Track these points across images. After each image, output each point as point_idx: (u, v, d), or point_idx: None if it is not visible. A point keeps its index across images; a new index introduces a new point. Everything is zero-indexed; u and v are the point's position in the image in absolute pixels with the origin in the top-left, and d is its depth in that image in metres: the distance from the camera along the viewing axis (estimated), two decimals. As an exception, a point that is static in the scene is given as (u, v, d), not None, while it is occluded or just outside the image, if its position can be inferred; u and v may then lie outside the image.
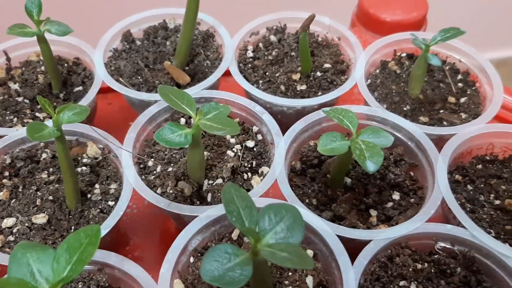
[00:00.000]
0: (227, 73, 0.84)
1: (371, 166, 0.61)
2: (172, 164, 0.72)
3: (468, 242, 0.63)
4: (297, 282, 0.61)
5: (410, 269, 0.62)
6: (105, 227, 0.64)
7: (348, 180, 0.73)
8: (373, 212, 0.70)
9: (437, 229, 0.64)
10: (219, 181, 0.70)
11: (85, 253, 0.47)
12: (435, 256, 0.64)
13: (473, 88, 0.85)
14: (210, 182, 0.70)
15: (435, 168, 0.69)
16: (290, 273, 0.63)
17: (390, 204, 0.71)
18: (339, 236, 0.63)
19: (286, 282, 0.62)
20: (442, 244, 0.65)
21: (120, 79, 0.84)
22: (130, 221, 0.81)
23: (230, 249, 0.48)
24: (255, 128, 0.78)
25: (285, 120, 0.83)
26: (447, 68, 0.88)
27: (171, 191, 0.68)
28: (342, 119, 0.67)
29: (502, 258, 0.61)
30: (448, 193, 0.67)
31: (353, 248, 0.63)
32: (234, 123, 0.59)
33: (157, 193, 0.68)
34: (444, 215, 0.73)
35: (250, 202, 0.52)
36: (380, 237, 0.63)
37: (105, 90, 0.97)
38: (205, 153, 0.73)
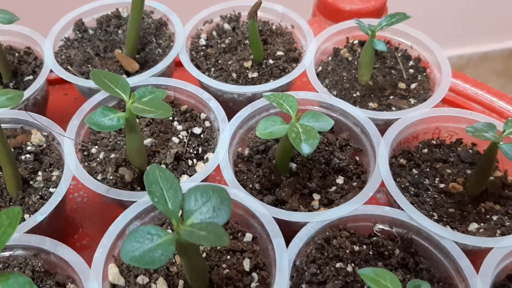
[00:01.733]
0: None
1: (306, 149, 0.61)
2: (115, 151, 0.72)
3: (406, 224, 0.64)
4: (235, 265, 0.61)
5: (347, 251, 0.63)
6: (42, 213, 0.63)
7: (293, 166, 0.73)
8: (316, 196, 0.70)
9: (375, 211, 0.64)
10: (162, 167, 0.69)
11: (4, 234, 0.47)
12: (374, 239, 0.65)
13: (424, 74, 0.86)
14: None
15: (377, 152, 0.70)
16: (228, 257, 0.63)
17: (333, 188, 0.71)
18: (279, 220, 0.63)
19: (224, 266, 0.62)
20: (381, 226, 0.65)
21: (69, 67, 0.84)
22: (80, 210, 0.81)
23: (153, 230, 0.48)
24: (203, 115, 0.78)
25: (236, 108, 0.82)
26: (399, 55, 0.89)
27: (111, 177, 0.68)
28: (282, 104, 0.67)
29: (438, 239, 0.61)
30: (387, 176, 0.67)
31: (295, 232, 0.63)
32: (167, 106, 0.59)
33: (98, 179, 0.68)
34: (389, 199, 0.73)
35: (175, 183, 0.51)
36: (317, 219, 0.63)
37: (61, 81, 0.97)
38: (150, 139, 0.73)
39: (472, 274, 0.58)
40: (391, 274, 0.51)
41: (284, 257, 0.59)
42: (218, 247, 0.64)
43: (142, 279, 0.61)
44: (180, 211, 0.50)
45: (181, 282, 0.61)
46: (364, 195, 0.65)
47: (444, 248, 0.61)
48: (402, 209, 0.64)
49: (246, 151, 0.76)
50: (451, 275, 0.61)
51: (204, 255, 0.63)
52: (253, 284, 0.60)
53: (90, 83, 0.79)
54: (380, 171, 0.67)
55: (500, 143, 0.62)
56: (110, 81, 0.61)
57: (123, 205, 0.72)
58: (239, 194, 0.65)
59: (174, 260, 0.63)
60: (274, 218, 0.63)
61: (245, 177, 0.72)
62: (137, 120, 0.76)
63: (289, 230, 0.64)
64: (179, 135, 0.74)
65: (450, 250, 0.60)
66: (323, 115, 0.67)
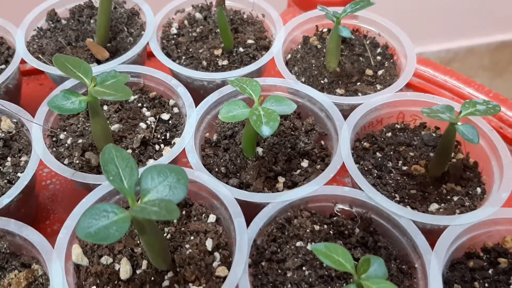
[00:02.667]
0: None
1: (266, 131, 0.62)
2: (83, 137, 0.73)
3: (365, 204, 0.65)
4: (197, 245, 0.63)
5: (308, 230, 0.64)
6: (9, 196, 0.65)
7: (260, 150, 0.74)
8: (281, 179, 0.71)
9: (335, 192, 0.66)
10: (128, 151, 0.71)
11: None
12: (334, 218, 0.66)
13: (391, 60, 0.87)
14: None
15: (340, 136, 0.71)
16: (192, 238, 0.64)
17: (298, 171, 0.72)
18: (244, 202, 0.65)
19: (187, 246, 0.63)
20: (341, 206, 0.66)
21: (41, 56, 0.84)
22: (52, 196, 0.82)
23: (109, 208, 0.49)
24: (171, 102, 0.79)
25: (206, 95, 0.84)
26: (367, 42, 0.90)
27: (77, 162, 0.69)
28: (245, 88, 0.68)
29: (396, 218, 0.63)
30: (348, 158, 0.68)
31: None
32: (127, 89, 0.60)
33: (64, 164, 0.69)
34: (352, 182, 0.75)
35: (131, 163, 0.53)
36: (278, 199, 0.64)
37: (37, 71, 0.98)
38: (118, 125, 0.74)
39: (427, 251, 0.59)
40: (342, 249, 0.52)
41: (244, 236, 0.60)
42: (182, 229, 0.65)
43: (106, 260, 0.62)
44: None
45: (144, 262, 0.62)
46: (325, 176, 0.67)
47: (401, 227, 0.62)
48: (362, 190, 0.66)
49: (214, 137, 0.78)
50: (408, 253, 0.62)
51: (168, 236, 0.65)
52: (215, 263, 0.62)
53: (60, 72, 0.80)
54: (342, 153, 0.69)
55: (458, 124, 0.64)
56: (72, 65, 0.62)
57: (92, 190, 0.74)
58: (203, 176, 0.67)
59: (138, 242, 0.64)
60: (237, 200, 0.65)
61: (211, 161, 0.73)
62: (106, 107, 0.78)
63: (254, 213, 0.65)
64: (147, 121, 0.75)
65: (407, 228, 0.62)
66: (286, 99, 0.68)
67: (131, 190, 0.51)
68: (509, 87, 2.34)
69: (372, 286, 0.50)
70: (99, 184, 0.66)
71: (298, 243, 0.63)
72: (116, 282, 0.60)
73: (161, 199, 0.50)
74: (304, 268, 0.61)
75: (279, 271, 0.61)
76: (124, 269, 0.61)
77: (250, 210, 0.65)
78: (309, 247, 0.63)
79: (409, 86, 0.95)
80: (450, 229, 0.61)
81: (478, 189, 0.70)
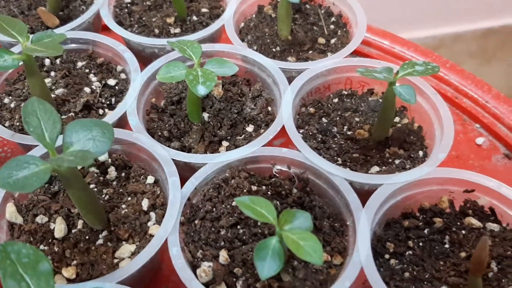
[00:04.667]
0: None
1: (201, 90, 0.62)
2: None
3: (303, 165, 0.65)
4: (133, 205, 0.63)
5: (245, 191, 0.64)
6: None
7: (206, 115, 0.74)
8: (225, 143, 0.72)
9: (273, 153, 0.66)
10: (71, 115, 0.71)
11: None
12: (273, 179, 0.66)
13: (344, 29, 0.87)
14: (63, 117, 0.71)
15: (282, 100, 0.71)
16: (129, 198, 0.64)
17: (243, 136, 0.72)
18: (182, 164, 0.65)
19: (124, 206, 0.63)
20: (279, 167, 0.67)
21: (-9, 24, 0.84)
22: (2, 164, 0.81)
23: (31, 159, 0.49)
24: (119, 68, 0.79)
25: (159, 63, 0.84)
26: (322, 11, 0.90)
27: (17, 124, 0.69)
28: (185, 50, 0.68)
29: (330, 177, 0.63)
30: (288, 121, 0.68)
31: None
32: (59, 46, 0.60)
33: (5, 126, 0.69)
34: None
35: (54, 116, 0.53)
36: (215, 160, 0.65)
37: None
38: (62, 89, 0.74)
39: (358, 208, 0.60)
40: (267, 202, 0.53)
41: (177, 194, 0.61)
42: (120, 190, 0.65)
43: (41, 219, 0.62)
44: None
45: (80, 222, 0.62)
46: (264, 138, 0.67)
47: (336, 186, 0.62)
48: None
49: (162, 103, 0.77)
50: (341, 211, 0.62)
51: (106, 197, 0.65)
52: (150, 223, 0.62)
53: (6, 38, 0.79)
54: (283, 116, 0.69)
55: (396, 85, 0.64)
56: (7, 24, 0.62)
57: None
58: (141, 138, 0.67)
59: (76, 202, 0.64)
60: (177, 162, 0.65)
61: (155, 126, 0.73)
62: (54, 73, 0.78)
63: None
64: (92, 86, 0.75)
65: (340, 187, 0.62)
66: (227, 62, 0.68)
67: (52, 142, 0.51)
68: (498, 74, 2.32)
69: (292, 236, 0.50)
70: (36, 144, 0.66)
71: (234, 203, 0.63)
72: (50, 240, 0.61)
73: (81, 150, 0.50)
74: (238, 226, 0.61)
75: (213, 229, 0.61)
76: (59, 227, 0.61)
77: (191, 173, 0.65)
78: (245, 206, 0.63)
79: (361, 55, 0.94)
80: (382, 188, 0.61)
81: (420, 152, 0.70)
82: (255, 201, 0.53)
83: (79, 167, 0.67)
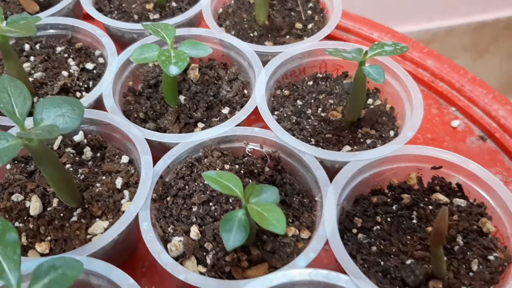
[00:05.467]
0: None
1: (173, 70, 0.64)
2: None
3: (275, 144, 0.67)
4: (107, 184, 0.64)
5: (218, 169, 0.65)
6: None
7: (182, 98, 0.76)
8: (200, 125, 0.73)
9: (245, 132, 0.67)
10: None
11: None
12: (245, 159, 0.67)
13: (321, 15, 0.88)
14: (40, 99, 0.72)
15: (256, 81, 0.72)
16: (103, 177, 0.65)
17: (218, 118, 0.74)
18: (157, 145, 0.66)
19: (98, 184, 0.65)
20: (252, 146, 0.68)
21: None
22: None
23: (2, 135, 0.50)
24: (97, 52, 0.80)
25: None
26: (300, -3, 0.91)
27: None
28: (158, 31, 0.69)
29: (300, 155, 0.64)
30: (262, 102, 0.70)
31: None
32: (31, 27, 0.61)
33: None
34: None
35: (25, 92, 0.54)
36: (188, 139, 0.66)
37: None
38: (40, 73, 0.75)
39: (326, 184, 0.61)
40: (234, 176, 0.54)
41: (149, 172, 0.62)
42: (95, 169, 0.67)
43: (16, 197, 0.63)
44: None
45: (55, 200, 0.63)
46: (237, 118, 0.68)
47: (305, 163, 0.64)
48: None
49: (139, 87, 0.79)
50: (311, 188, 0.64)
51: (82, 177, 0.66)
52: (124, 200, 0.63)
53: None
54: (256, 96, 0.70)
55: (365, 65, 0.65)
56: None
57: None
58: (116, 119, 0.68)
59: (52, 182, 0.65)
60: (151, 143, 0.66)
61: (131, 108, 0.74)
62: (33, 57, 0.79)
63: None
64: (70, 70, 0.76)
65: (310, 164, 0.63)
66: (201, 44, 0.69)
67: (22, 118, 0.52)
68: (491, 67, 2.32)
69: (257, 208, 0.51)
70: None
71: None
72: (25, 218, 0.62)
73: (49, 124, 0.51)
74: (210, 203, 0.62)
75: (185, 205, 0.62)
76: (34, 205, 0.62)
77: (162, 152, 0.66)
78: (217, 184, 0.64)
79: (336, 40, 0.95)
80: (350, 164, 0.63)
81: (391, 132, 0.71)
82: (222, 176, 0.54)
83: (55, 148, 0.68)
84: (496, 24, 2.31)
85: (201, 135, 0.66)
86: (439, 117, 0.87)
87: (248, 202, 0.52)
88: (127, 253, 0.68)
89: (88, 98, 0.70)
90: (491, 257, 0.58)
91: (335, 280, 0.52)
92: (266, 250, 0.57)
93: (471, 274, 0.57)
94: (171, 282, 0.66)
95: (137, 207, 0.58)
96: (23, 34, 0.59)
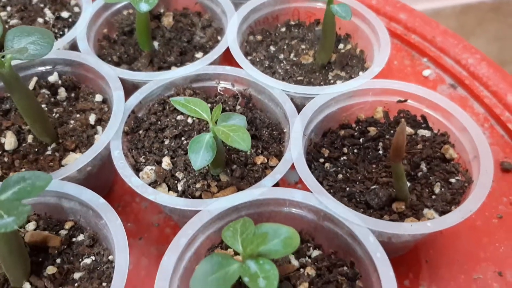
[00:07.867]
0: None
1: (143, 7, 0.65)
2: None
3: (245, 81, 0.68)
4: (81, 120, 0.65)
5: (189, 107, 0.67)
6: None
7: (156, 44, 0.77)
8: (174, 69, 0.74)
9: (216, 70, 0.69)
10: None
11: None
12: (218, 97, 0.69)
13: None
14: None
15: (228, 25, 0.74)
16: (78, 115, 0.67)
17: (192, 62, 0.75)
18: (130, 86, 0.68)
19: (72, 121, 0.66)
20: (223, 85, 0.69)
21: None
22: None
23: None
24: (73, 2, 0.81)
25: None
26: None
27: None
28: None
29: (270, 90, 0.66)
30: (234, 43, 0.71)
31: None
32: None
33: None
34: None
35: (-6, 21, 0.55)
36: (160, 77, 0.67)
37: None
38: (16, 21, 0.76)
39: (294, 115, 0.63)
40: (201, 101, 0.55)
41: (121, 106, 0.63)
42: (70, 108, 0.68)
43: (-9, 134, 0.64)
44: None
45: (30, 137, 0.64)
46: (208, 58, 0.69)
47: (275, 98, 0.65)
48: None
49: (114, 35, 0.80)
50: (280, 121, 0.66)
51: (57, 116, 0.67)
52: (97, 135, 0.64)
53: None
54: (228, 39, 0.72)
55: (333, 4, 0.67)
56: None
57: None
58: (89, 59, 0.69)
59: (27, 121, 0.66)
60: (125, 83, 0.67)
61: (105, 52, 0.75)
62: (10, 7, 0.80)
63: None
64: (45, 18, 0.77)
65: (278, 97, 0.65)
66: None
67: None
68: (477, 50, 2.34)
69: (223, 129, 0.53)
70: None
71: (179, 117, 0.66)
72: (1, 153, 0.63)
73: (19, 47, 0.53)
74: (182, 138, 0.64)
75: (157, 138, 0.64)
76: (9, 141, 0.63)
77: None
78: (189, 120, 0.66)
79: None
80: (317, 98, 0.64)
81: (361, 73, 0.73)
82: (190, 101, 0.55)
83: (30, 88, 0.69)
84: (481, 6, 2.33)
85: (172, 73, 0.68)
86: (411, 67, 0.89)
87: (215, 125, 0.54)
88: (102, 193, 0.69)
89: (62, 41, 0.71)
90: (452, 180, 0.60)
91: (300, 197, 0.54)
92: (235, 176, 0.59)
93: (433, 197, 0.59)
94: (146, 219, 0.68)
95: (108, 137, 0.60)
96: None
